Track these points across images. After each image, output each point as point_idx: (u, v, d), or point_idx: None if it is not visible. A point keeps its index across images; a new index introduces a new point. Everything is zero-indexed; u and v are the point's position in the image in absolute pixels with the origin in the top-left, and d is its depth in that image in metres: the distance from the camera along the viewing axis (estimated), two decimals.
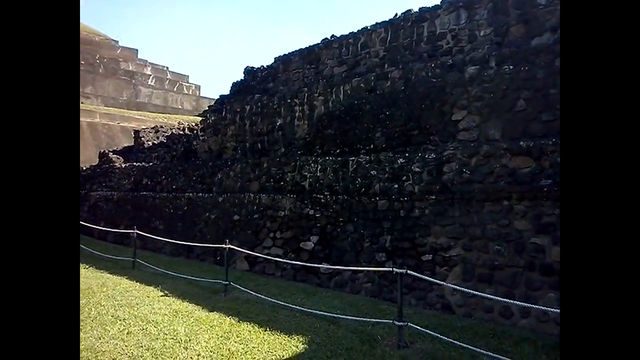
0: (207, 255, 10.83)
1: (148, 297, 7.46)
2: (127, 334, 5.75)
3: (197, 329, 5.89)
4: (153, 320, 6.23)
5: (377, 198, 8.03)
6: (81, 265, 10.06)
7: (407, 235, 7.39)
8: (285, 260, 8.05)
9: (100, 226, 14.05)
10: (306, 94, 11.22)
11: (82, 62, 37.17)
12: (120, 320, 6.25)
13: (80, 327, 5.92)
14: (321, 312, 6.37)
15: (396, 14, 11.60)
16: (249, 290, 7.41)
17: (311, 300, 7.22)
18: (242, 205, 10.45)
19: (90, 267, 9.86)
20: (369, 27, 12.02)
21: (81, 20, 49.45)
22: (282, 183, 10.03)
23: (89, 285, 8.20)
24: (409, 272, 5.22)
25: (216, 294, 7.66)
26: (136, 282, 8.50)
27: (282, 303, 6.82)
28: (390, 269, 5.46)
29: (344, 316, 6.17)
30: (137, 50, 44.03)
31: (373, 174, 8.30)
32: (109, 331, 5.82)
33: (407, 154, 8.01)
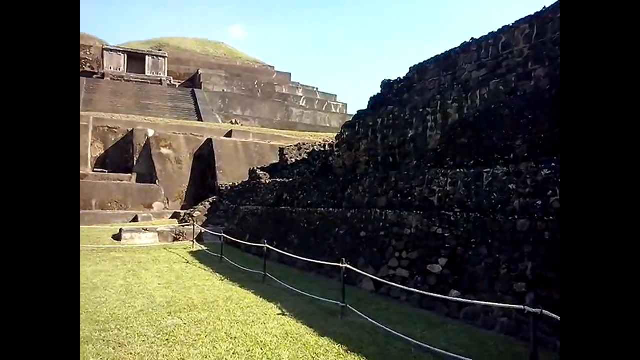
0: (335, 272, 10.37)
1: (265, 314, 7.20)
2: (233, 354, 5.47)
3: (301, 356, 5.37)
4: (262, 342, 5.88)
5: (516, 217, 6.71)
6: (217, 277, 10.38)
7: (553, 263, 5.98)
8: (405, 288, 7.12)
9: (246, 238, 14.61)
10: (439, 102, 10.21)
11: (243, 88, 40.51)
12: (231, 338, 6.03)
13: (192, 343, 5.83)
14: (440, 350, 5.38)
15: (544, 7, 10.00)
16: (365, 316, 6.69)
17: (433, 333, 6.23)
18: (368, 221, 9.80)
19: (225, 280, 10.08)
20: (511, 25, 10.57)
21: (242, 50, 54.29)
22: (409, 198, 9.15)
23: (216, 297, 8.28)
24: (544, 312, 4.01)
25: (332, 316, 7.10)
26: (260, 297, 8.36)
27: (399, 334, 5.96)
28: (522, 307, 4.29)
29: (466, 359, 5.10)
30: (290, 74, 46.61)
31: (511, 188, 7.00)
32: (217, 349, 5.61)
33: (553, 164, 6.56)
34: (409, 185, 9.26)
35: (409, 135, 11.13)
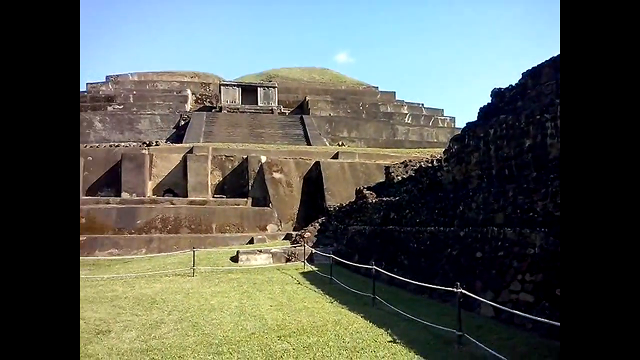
0: (449, 295, 9.59)
1: (375, 341, 6.76)
2: None
3: None
4: None
5: None
6: (326, 299, 10.16)
7: None
8: (531, 317, 6.22)
9: (354, 259, 14.32)
10: (558, 106, 9.12)
11: (349, 111, 40.87)
12: None
13: None
14: None
15: None
16: (486, 347, 5.95)
17: None
18: (484, 241, 8.94)
19: (334, 302, 9.83)
20: None
21: (346, 74, 55.10)
22: (531, 214, 8.17)
23: (325, 321, 8.02)
24: None
25: (448, 345, 6.44)
26: (369, 322, 7.94)
27: None
28: None
29: None
30: (394, 92, 46.15)
31: None
32: None
33: None
34: (530, 200, 8.29)
35: (526, 145, 10.08)
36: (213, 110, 39.90)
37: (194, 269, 13.61)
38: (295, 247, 17.17)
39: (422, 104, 44.41)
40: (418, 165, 18.54)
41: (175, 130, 36.04)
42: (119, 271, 14.16)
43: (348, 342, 6.70)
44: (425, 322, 7.54)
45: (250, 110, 39.78)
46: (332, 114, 40.08)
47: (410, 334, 7.04)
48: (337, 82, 48.75)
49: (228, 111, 39.46)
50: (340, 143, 34.92)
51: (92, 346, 6.24)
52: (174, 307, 9.20)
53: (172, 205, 20.53)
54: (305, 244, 16.68)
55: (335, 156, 26.13)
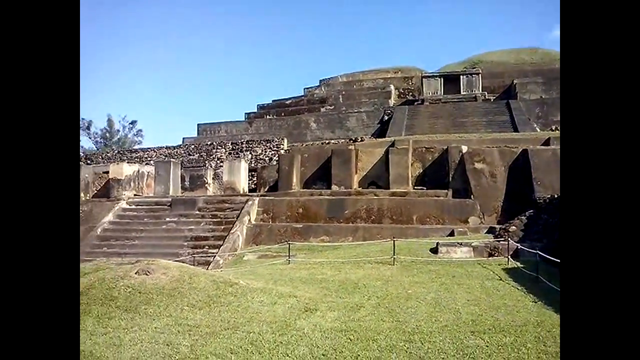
0: None
1: None
2: None
3: None
4: None
5: None
6: (530, 298, 9.34)
7: None
8: None
9: None
10: None
11: None
12: None
13: None
14: None
15: None
16: None
17: None
18: None
19: (539, 302, 8.97)
20: None
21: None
22: None
23: (525, 321, 7.42)
24: None
25: None
26: None
27: None
28: None
29: None
30: None
31: None
32: None
33: None
34: None
35: None
36: (415, 104, 40.09)
37: (394, 258, 14.05)
38: (498, 241, 16.16)
39: None
40: None
41: (379, 125, 37.45)
42: (328, 256, 15.53)
43: (550, 347, 6.10)
44: None
45: (453, 100, 38.67)
46: (543, 97, 36.14)
47: None
48: (549, 61, 43.61)
49: (430, 103, 39.15)
50: (553, 128, 31.28)
51: (300, 321, 7.07)
52: (373, 293, 9.70)
53: (375, 197, 21.47)
54: (510, 239, 15.55)
55: (546, 142, 23.54)
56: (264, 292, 8.76)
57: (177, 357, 5.46)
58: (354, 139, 31.67)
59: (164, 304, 7.45)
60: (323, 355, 5.60)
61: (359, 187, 23.31)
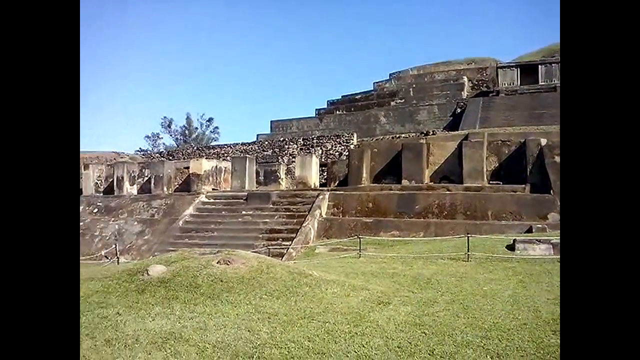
0: None
1: None
2: None
3: None
4: None
5: None
6: None
7: None
8: None
9: None
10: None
11: None
12: None
13: None
14: None
15: None
16: None
17: None
18: None
19: None
20: None
21: None
22: None
23: None
24: None
25: None
26: None
27: None
28: None
29: None
30: None
31: None
32: None
33: None
34: None
35: None
36: (490, 95, 38.52)
37: (468, 255, 13.68)
38: None
39: None
40: None
41: (451, 118, 36.42)
42: (399, 251, 15.43)
43: None
44: None
45: (530, 91, 36.72)
46: None
47: None
48: None
49: (505, 94, 37.44)
50: None
51: (374, 314, 7.14)
52: (447, 289, 9.55)
53: (447, 192, 20.97)
54: None
55: None
56: (337, 284, 8.92)
57: (258, 343, 5.74)
58: (425, 132, 31.07)
59: (243, 292, 7.82)
60: (398, 347, 5.63)
61: (431, 181, 22.87)
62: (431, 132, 30.84)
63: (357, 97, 44.90)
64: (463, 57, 48.29)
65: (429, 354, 5.42)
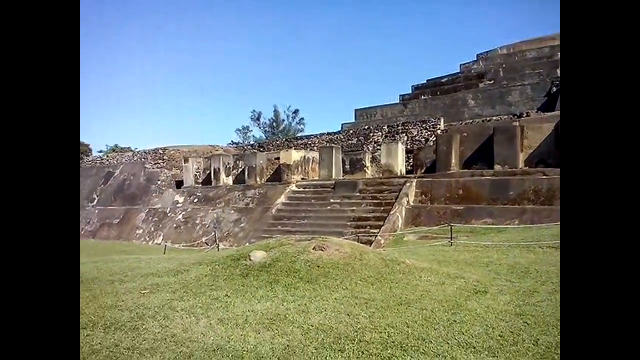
0: None
1: None
2: None
3: None
4: None
5: None
6: None
7: None
8: None
9: None
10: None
11: None
12: None
13: None
14: None
15: None
16: None
17: None
18: None
19: None
20: None
21: None
22: None
23: None
24: None
25: None
26: None
27: None
28: None
29: None
30: None
31: None
32: None
33: None
34: None
35: None
36: None
37: None
38: None
39: None
40: None
41: (546, 98, 34.00)
42: (493, 239, 14.89)
43: None
44: None
45: None
46: None
47: None
48: None
49: None
50: None
51: (471, 302, 7.05)
52: (547, 278, 9.11)
53: (544, 177, 19.75)
54: None
55: None
56: (431, 271, 8.88)
57: (358, 327, 5.94)
58: (517, 114, 29.39)
59: (339, 277, 8.08)
60: (500, 336, 5.54)
61: (525, 166, 21.65)
62: (524, 114, 29.03)
63: (442, 80, 43.36)
64: (557, 32, 44.64)
65: (533, 344, 5.26)
